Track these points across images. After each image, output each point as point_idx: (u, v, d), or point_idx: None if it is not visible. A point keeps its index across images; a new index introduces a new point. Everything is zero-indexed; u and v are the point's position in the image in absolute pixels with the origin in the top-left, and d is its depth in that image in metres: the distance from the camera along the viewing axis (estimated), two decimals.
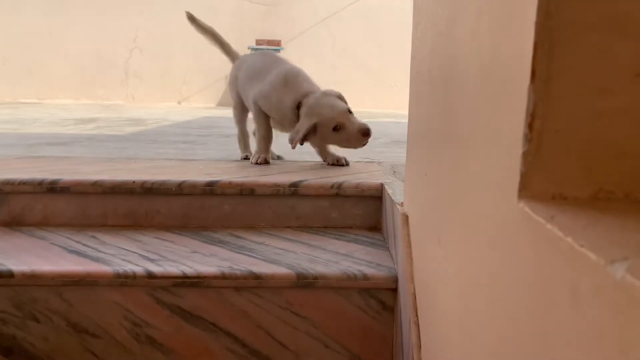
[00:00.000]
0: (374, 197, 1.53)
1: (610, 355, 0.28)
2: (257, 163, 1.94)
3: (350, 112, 1.79)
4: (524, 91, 0.43)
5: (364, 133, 1.75)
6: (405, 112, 1.26)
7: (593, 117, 0.41)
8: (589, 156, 0.42)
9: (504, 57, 0.50)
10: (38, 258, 1.31)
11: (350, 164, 1.94)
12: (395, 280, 1.23)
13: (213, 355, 1.26)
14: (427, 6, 0.98)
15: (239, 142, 2.26)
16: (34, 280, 1.24)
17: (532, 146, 0.43)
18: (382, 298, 1.25)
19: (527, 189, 0.43)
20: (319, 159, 2.02)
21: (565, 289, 0.34)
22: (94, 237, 1.48)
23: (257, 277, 1.23)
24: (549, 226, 0.37)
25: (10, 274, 1.23)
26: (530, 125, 0.43)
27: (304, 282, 1.23)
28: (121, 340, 1.26)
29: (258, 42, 6.12)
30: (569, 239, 0.34)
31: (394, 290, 1.24)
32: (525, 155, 0.43)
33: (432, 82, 0.92)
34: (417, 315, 1.00)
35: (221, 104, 6.51)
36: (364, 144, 1.79)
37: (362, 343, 1.27)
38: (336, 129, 1.75)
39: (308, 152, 2.06)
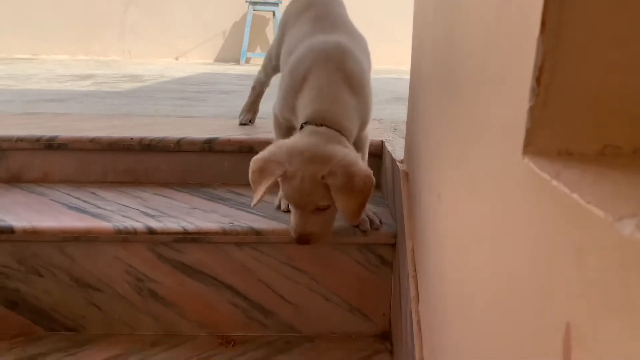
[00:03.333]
0: (374, 155, 1.52)
1: (615, 312, 0.28)
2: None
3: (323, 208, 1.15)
4: (533, 43, 0.42)
5: (296, 240, 1.17)
6: (408, 68, 1.23)
7: (605, 69, 0.40)
8: (598, 110, 0.41)
9: (513, 6, 0.48)
10: (38, 214, 1.32)
11: None
12: (394, 236, 1.24)
13: (215, 309, 1.28)
14: None
15: (248, 106, 1.92)
16: (34, 236, 1.24)
17: (539, 100, 0.42)
18: (381, 253, 1.26)
19: (533, 145, 0.42)
20: None
21: (570, 246, 0.33)
22: (93, 193, 1.48)
23: (257, 232, 1.24)
24: (554, 183, 0.36)
25: (11, 230, 1.24)
26: (538, 79, 0.41)
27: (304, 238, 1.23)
28: (124, 294, 1.27)
29: None
30: (575, 196, 0.33)
31: (393, 246, 1.25)
32: (531, 109, 0.42)
33: (435, 34, 0.90)
34: (415, 270, 1.01)
35: (219, 59, 6.39)
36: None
37: (361, 296, 1.29)
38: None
39: None
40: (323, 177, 1.09)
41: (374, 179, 1.12)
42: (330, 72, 1.23)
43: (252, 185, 1.16)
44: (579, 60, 0.40)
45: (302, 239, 1.16)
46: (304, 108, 1.23)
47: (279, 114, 1.36)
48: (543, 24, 0.41)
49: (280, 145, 1.18)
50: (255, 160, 1.16)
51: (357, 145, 1.31)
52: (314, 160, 1.12)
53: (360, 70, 1.28)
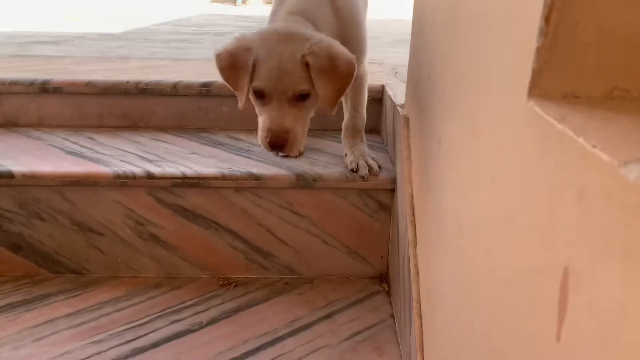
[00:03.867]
0: (375, 99, 1.50)
1: (614, 257, 0.28)
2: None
3: (301, 97, 1.07)
4: None
5: (270, 142, 1.07)
6: (410, 8, 1.19)
7: (617, 8, 0.38)
8: (607, 52, 0.40)
9: None
10: (36, 159, 1.31)
11: None
12: (393, 181, 1.24)
13: (215, 251, 1.30)
14: None
15: None
16: (34, 180, 1.24)
17: (547, 41, 0.40)
18: (380, 198, 1.27)
19: (538, 87, 0.41)
20: None
21: (573, 190, 0.33)
22: (91, 138, 1.47)
23: (256, 178, 1.24)
24: (559, 126, 0.35)
25: (10, 175, 1.24)
26: (547, 18, 0.40)
27: (303, 183, 1.24)
28: (125, 237, 1.29)
29: None
30: (581, 140, 0.32)
31: (392, 191, 1.26)
32: (539, 50, 0.40)
33: None
34: (413, 215, 1.02)
35: (216, 0, 6.19)
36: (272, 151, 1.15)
37: (359, 239, 1.31)
38: (258, 94, 1.08)
39: None
40: (303, 57, 1.02)
41: (356, 64, 1.07)
42: None
43: (227, 82, 1.09)
44: None
45: (278, 138, 1.05)
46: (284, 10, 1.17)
47: None
48: None
49: (245, 33, 1.10)
50: (220, 55, 1.07)
51: (354, 83, 1.28)
52: (292, 39, 1.04)
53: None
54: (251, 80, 1.05)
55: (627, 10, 0.38)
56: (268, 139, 1.06)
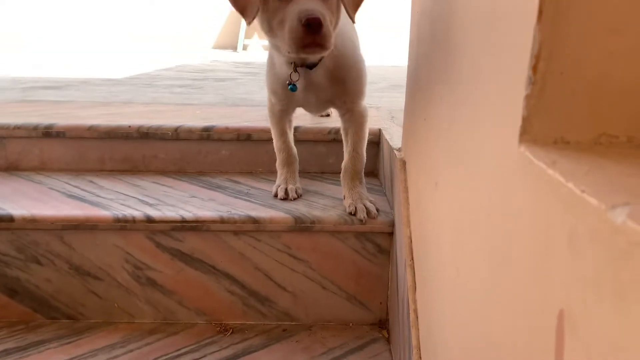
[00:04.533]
0: (372, 143, 1.52)
1: (606, 298, 0.28)
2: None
3: None
4: (530, 31, 0.42)
5: (306, 21, 0.98)
6: (405, 55, 1.22)
7: (601, 58, 0.40)
8: (594, 99, 0.41)
9: None
10: (37, 202, 1.32)
11: None
12: (391, 224, 1.24)
13: (213, 296, 1.29)
14: None
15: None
16: (34, 224, 1.25)
17: (536, 89, 0.42)
18: (379, 241, 1.27)
19: (529, 133, 0.43)
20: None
21: (564, 234, 0.34)
22: (92, 181, 1.48)
23: (255, 221, 1.24)
24: (550, 171, 0.36)
25: (10, 218, 1.24)
26: (534, 67, 0.41)
27: (302, 226, 1.24)
28: (123, 282, 1.28)
29: None
30: (570, 185, 0.33)
31: (390, 234, 1.26)
32: (528, 98, 0.42)
33: (433, 21, 0.89)
34: (412, 259, 1.02)
35: (217, 46, 6.36)
36: (304, 49, 1.02)
37: (358, 284, 1.29)
38: None
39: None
40: None
41: None
42: None
43: (236, 8, 1.08)
44: (575, 49, 0.40)
45: (314, 17, 0.96)
46: None
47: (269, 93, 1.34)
48: (540, 12, 0.41)
49: None
50: None
51: (353, 123, 1.30)
52: None
53: (346, 33, 1.25)
54: None
55: (612, 60, 0.40)
56: (304, 19, 0.97)
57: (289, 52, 1.05)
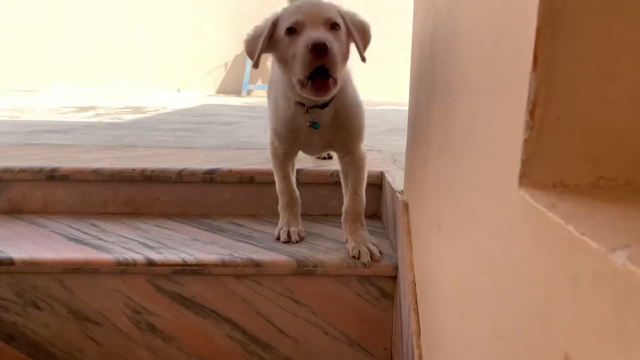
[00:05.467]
0: (374, 185, 1.53)
1: (610, 341, 0.28)
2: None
3: (334, 26, 1.12)
4: (526, 78, 0.43)
5: (312, 47, 1.03)
6: (406, 99, 1.25)
7: (596, 104, 0.41)
8: (591, 143, 0.42)
9: (505, 42, 0.50)
10: (38, 246, 1.31)
11: None
12: (395, 268, 1.23)
13: (214, 342, 1.27)
14: None
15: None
16: (34, 267, 1.24)
17: (533, 133, 0.42)
18: (382, 285, 1.26)
19: (528, 177, 0.43)
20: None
21: (566, 277, 0.34)
22: (94, 224, 1.48)
23: (257, 264, 1.23)
24: (549, 214, 0.37)
25: (10, 262, 1.23)
26: (531, 112, 0.42)
27: (304, 270, 1.23)
28: (122, 327, 1.26)
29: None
30: (570, 227, 0.33)
31: (394, 278, 1.25)
32: (526, 142, 0.43)
33: (432, 68, 0.92)
34: (416, 303, 1.00)
35: (221, 91, 6.49)
36: (313, 92, 1.09)
37: (361, 329, 1.27)
38: (292, 31, 1.10)
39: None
40: (338, 9, 1.16)
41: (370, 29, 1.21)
42: None
43: (249, 55, 1.18)
44: (571, 95, 0.41)
45: (321, 43, 1.02)
46: None
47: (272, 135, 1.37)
48: (535, 59, 0.42)
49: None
50: (247, 36, 1.20)
51: (353, 166, 1.32)
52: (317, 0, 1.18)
53: (348, 79, 1.30)
54: (272, 34, 1.15)
55: (606, 105, 0.41)
56: (311, 48, 1.03)
57: (299, 81, 1.10)
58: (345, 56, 1.17)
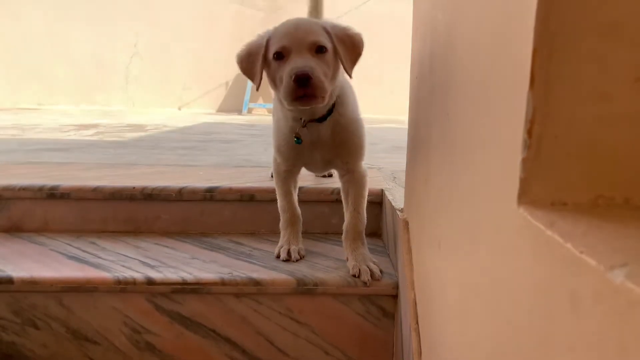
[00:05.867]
0: (375, 203, 1.53)
1: (610, 359, 0.28)
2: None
3: (320, 49, 1.14)
4: (523, 97, 0.43)
5: (296, 78, 1.07)
6: (405, 117, 1.26)
7: (593, 123, 0.41)
8: (589, 162, 0.42)
9: (503, 62, 0.50)
10: (37, 264, 1.31)
11: None
12: (395, 286, 1.23)
13: None
14: (427, 11, 0.98)
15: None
16: (33, 286, 1.23)
17: (532, 152, 0.43)
18: (383, 304, 1.25)
19: (527, 195, 0.43)
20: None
21: (566, 295, 0.34)
22: (93, 243, 1.48)
23: (257, 283, 1.23)
24: (548, 232, 0.37)
25: (9, 280, 1.23)
26: (529, 131, 0.43)
27: (304, 289, 1.22)
28: (120, 346, 1.25)
29: None
30: (569, 245, 0.33)
31: (395, 297, 1.24)
32: (524, 161, 0.43)
33: (431, 87, 0.93)
34: (417, 322, 1.00)
35: (221, 109, 6.52)
36: (297, 102, 1.11)
37: (362, 349, 1.26)
38: (279, 56, 1.14)
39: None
40: (323, 25, 1.16)
41: (363, 41, 1.21)
42: None
43: (245, 74, 1.20)
44: (567, 114, 0.42)
45: (304, 73, 1.07)
46: None
47: (276, 155, 1.37)
48: (532, 78, 0.43)
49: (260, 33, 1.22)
50: (239, 53, 1.21)
51: (354, 184, 1.32)
52: (308, 19, 1.20)
53: (349, 97, 1.32)
54: (265, 56, 1.16)
55: (602, 124, 0.41)
56: (294, 78, 1.07)
57: (287, 106, 1.16)
58: (334, 75, 1.19)
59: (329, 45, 1.14)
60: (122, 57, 6.49)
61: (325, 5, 6.27)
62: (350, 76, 1.22)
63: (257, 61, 1.16)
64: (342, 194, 1.36)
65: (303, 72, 1.07)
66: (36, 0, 6.35)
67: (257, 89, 1.20)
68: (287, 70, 1.10)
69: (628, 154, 0.42)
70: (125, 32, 6.43)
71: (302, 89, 1.08)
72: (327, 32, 1.16)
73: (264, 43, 1.16)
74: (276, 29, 1.18)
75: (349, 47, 1.17)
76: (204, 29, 6.43)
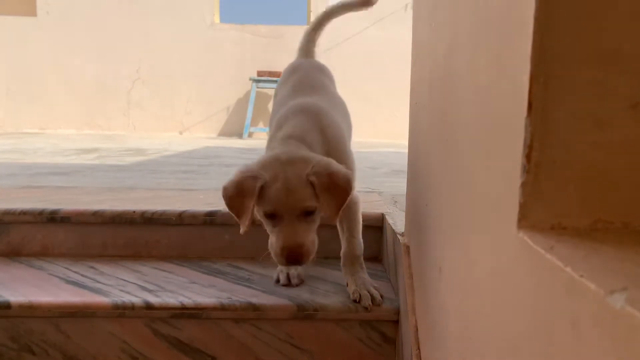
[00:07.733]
0: (375, 227, 1.53)
1: None
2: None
3: (309, 213, 1.15)
4: (521, 123, 0.44)
5: (287, 257, 1.12)
6: (406, 141, 1.27)
7: (590, 149, 0.42)
8: (587, 186, 0.43)
9: (500, 89, 0.51)
10: (36, 289, 1.30)
11: None
12: (396, 312, 1.22)
13: None
14: (426, 38, 1.00)
15: None
16: (31, 311, 1.22)
17: (530, 177, 0.43)
18: (384, 330, 1.24)
19: (526, 219, 0.44)
20: None
21: (566, 319, 0.34)
22: (92, 267, 1.47)
23: (256, 308, 1.22)
24: (548, 256, 0.37)
25: (7, 305, 1.22)
26: (527, 156, 0.43)
27: (304, 314, 1.21)
28: None
29: (260, 73, 6.22)
30: (569, 269, 0.34)
31: (396, 322, 1.23)
32: (523, 185, 0.43)
33: (430, 113, 0.94)
34: (418, 348, 0.99)
35: (222, 134, 6.56)
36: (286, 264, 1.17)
37: None
38: (271, 216, 1.15)
39: None
40: (307, 176, 1.11)
41: (352, 178, 1.16)
42: (304, 121, 1.30)
43: (232, 211, 1.15)
44: (565, 140, 0.42)
45: (294, 253, 1.10)
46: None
47: None
48: (530, 104, 0.43)
49: (247, 164, 1.18)
50: (227, 187, 1.15)
51: (348, 210, 1.30)
52: (294, 162, 1.14)
53: (336, 127, 1.34)
54: (257, 204, 1.13)
55: (599, 150, 0.41)
56: (285, 256, 1.11)
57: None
58: (317, 224, 1.20)
59: (316, 205, 1.14)
60: (124, 82, 6.55)
61: (326, 31, 6.36)
62: (334, 222, 1.24)
63: (248, 207, 1.11)
64: (336, 221, 1.35)
65: (294, 255, 1.11)
66: (39, 25, 6.45)
67: (242, 232, 1.14)
68: (279, 241, 1.12)
69: (626, 179, 0.42)
70: (127, 56, 6.51)
71: (293, 263, 1.15)
72: (312, 185, 1.12)
73: (257, 192, 1.11)
74: (267, 184, 1.12)
75: (333, 194, 1.13)
76: (206, 54, 6.51)
